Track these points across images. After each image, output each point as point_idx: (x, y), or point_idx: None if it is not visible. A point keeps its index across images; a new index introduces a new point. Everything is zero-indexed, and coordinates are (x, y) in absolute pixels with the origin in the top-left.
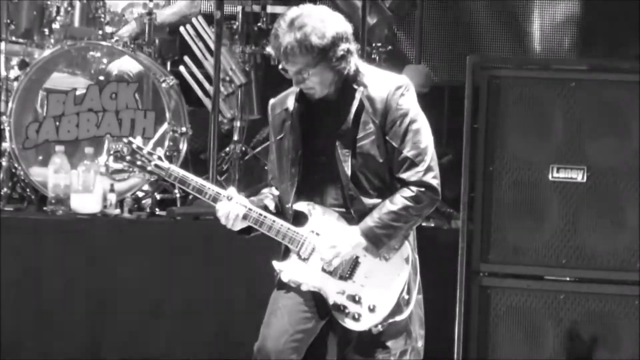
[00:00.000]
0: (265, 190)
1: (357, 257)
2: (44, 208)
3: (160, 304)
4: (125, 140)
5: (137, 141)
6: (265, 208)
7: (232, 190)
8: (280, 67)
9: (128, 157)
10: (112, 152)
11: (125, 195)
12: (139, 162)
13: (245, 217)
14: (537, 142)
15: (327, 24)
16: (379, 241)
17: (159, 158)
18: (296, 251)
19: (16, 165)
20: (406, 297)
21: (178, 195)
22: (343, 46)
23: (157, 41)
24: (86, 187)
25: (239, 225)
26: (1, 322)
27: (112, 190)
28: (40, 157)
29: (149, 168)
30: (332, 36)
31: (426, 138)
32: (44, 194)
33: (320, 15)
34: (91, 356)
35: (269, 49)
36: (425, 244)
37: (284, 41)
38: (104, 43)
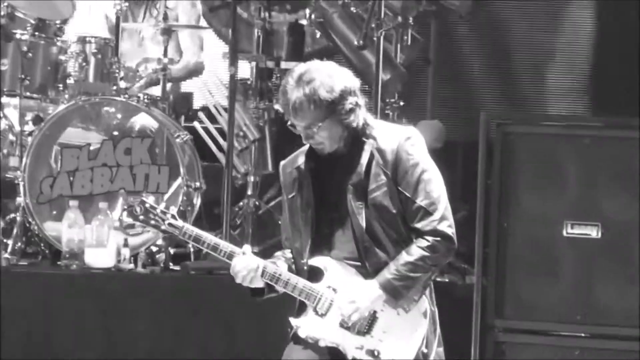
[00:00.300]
0: (278, 254)
1: (374, 312)
2: (58, 262)
3: (173, 358)
4: (138, 199)
5: (150, 200)
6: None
7: (247, 248)
8: (289, 123)
9: (141, 217)
10: (125, 208)
11: (139, 249)
12: (152, 222)
13: (261, 273)
14: (551, 198)
15: (334, 78)
16: (398, 293)
17: (173, 217)
18: (313, 307)
19: (30, 219)
20: (425, 350)
21: (192, 249)
22: (351, 100)
23: (171, 97)
24: (100, 241)
25: (255, 282)
26: None
27: (126, 244)
28: (55, 212)
29: (162, 227)
30: (340, 90)
31: (438, 187)
32: (58, 249)
33: (327, 70)
34: None
35: (277, 106)
36: (439, 299)
37: (292, 96)
38: (118, 98)
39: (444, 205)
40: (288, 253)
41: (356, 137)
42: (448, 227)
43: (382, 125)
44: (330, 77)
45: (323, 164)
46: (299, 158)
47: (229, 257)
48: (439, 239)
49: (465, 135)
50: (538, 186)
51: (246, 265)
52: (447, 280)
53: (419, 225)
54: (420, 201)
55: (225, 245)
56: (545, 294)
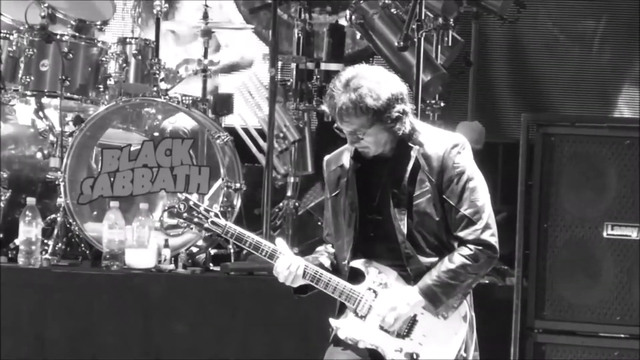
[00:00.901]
0: (320, 248)
1: (415, 315)
2: (99, 263)
3: (214, 359)
4: (181, 197)
5: (194, 198)
6: (321, 266)
7: (280, 243)
8: (334, 126)
9: (185, 215)
10: (167, 208)
11: (179, 250)
12: (195, 220)
13: (302, 274)
14: (591, 200)
15: (382, 85)
16: (438, 300)
17: (216, 215)
18: (353, 309)
19: (71, 220)
20: (464, 354)
21: (232, 250)
22: (398, 107)
23: (211, 98)
24: (141, 242)
25: (297, 282)
26: None
27: (166, 245)
28: (95, 213)
29: (205, 225)
30: (387, 98)
31: (483, 196)
32: (98, 250)
33: (375, 76)
34: None
35: (324, 107)
36: (480, 301)
37: (339, 102)
38: (158, 99)
39: (487, 214)
40: (330, 248)
41: (402, 142)
42: (491, 236)
43: (428, 130)
44: (378, 83)
45: (368, 166)
46: (344, 156)
47: (270, 256)
48: (481, 248)
49: (506, 137)
50: (578, 187)
51: (288, 265)
52: (487, 281)
53: (462, 233)
54: (465, 210)
55: (267, 245)
56: (585, 295)
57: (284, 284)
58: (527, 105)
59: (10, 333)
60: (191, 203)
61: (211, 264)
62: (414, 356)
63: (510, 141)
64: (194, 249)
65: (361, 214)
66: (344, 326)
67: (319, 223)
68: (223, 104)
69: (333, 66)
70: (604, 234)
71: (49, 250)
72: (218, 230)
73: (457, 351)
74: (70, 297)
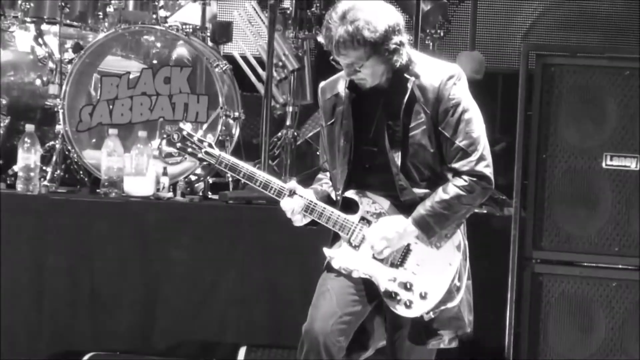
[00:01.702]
0: (321, 176)
1: (408, 245)
2: (97, 190)
3: (212, 287)
4: (175, 127)
5: (187, 128)
6: (328, 196)
7: (294, 184)
8: (331, 58)
9: (179, 144)
10: (164, 136)
11: (178, 178)
12: (189, 149)
13: (306, 209)
14: (590, 130)
15: (379, 17)
16: (431, 229)
17: (210, 145)
18: (347, 238)
19: (70, 147)
20: (457, 283)
21: (230, 179)
22: (395, 39)
23: (210, 26)
24: (139, 170)
25: (302, 221)
26: (54, 304)
27: (165, 173)
28: (94, 140)
29: (199, 155)
30: (384, 30)
31: (478, 127)
32: (97, 177)
33: (372, 8)
34: (142, 338)
35: (320, 38)
36: (477, 231)
37: (335, 34)
38: (157, 27)
39: (482, 146)
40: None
41: (398, 73)
42: (485, 167)
43: (425, 61)
44: (375, 15)
45: (363, 96)
46: (339, 84)
47: (264, 186)
48: (475, 179)
49: (506, 67)
50: (578, 118)
51: (294, 207)
52: (485, 211)
53: (456, 165)
54: (460, 142)
55: (261, 175)
56: (584, 225)
57: (282, 213)
58: (527, 35)
59: (9, 259)
60: (185, 133)
61: (209, 193)
62: (408, 285)
63: (510, 71)
64: (193, 177)
65: (356, 144)
66: (337, 256)
67: (318, 153)
68: (222, 32)
69: None
70: (603, 165)
71: (48, 177)
72: (212, 161)
73: (450, 280)
74: (68, 224)
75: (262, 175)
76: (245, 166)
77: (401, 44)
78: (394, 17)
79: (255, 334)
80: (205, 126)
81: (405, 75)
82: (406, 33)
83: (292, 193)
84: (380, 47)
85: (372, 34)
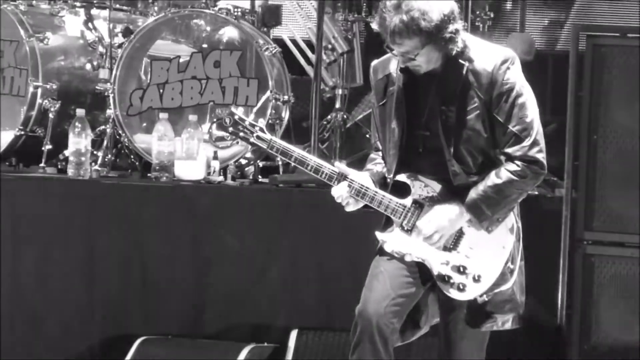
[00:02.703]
0: (375, 156)
1: (461, 228)
2: (148, 175)
3: (263, 271)
4: (227, 111)
5: (239, 112)
6: (384, 177)
7: (344, 168)
8: (385, 45)
9: (230, 128)
10: (215, 120)
11: (228, 162)
12: (241, 134)
13: (357, 194)
14: None
15: (434, 5)
16: (483, 214)
17: (261, 130)
18: (399, 223)
19: (120, 132)
20: (511, 266)
21: (281, 162)
22: (451, 28)
23: (260, 9)
24: (190, 154)
25: (356, 206)
26: (105, 289)
27: (215, 157)
28: (144, 124)
29: (251, 139)
30: (439, 19)
31: (532, 112)
32: (148, 161)
33: None
34: (194, 322)
35: (374, 26)
36: (529, 212)
37: (391, 23)
38: (207, 11)
39: (536, 131)
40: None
41: (452, 58)
42: (538, 152)
43: (478, 45)
44: (429, 4)
45: (416, 80)
46: (391, 64)
47: (315, 170)
48: (528, 164)
49: (556, 48)
50: (628, 99)
51: (339, 194)
52: (536, 193)
53: (510, 150)
54: (513, 127)
55: (312, 159)
56: (635, 206)
57: (332, 196)
58: (578, 15)
59: (61, 244)
60: (236, 117)
61: (260, 176)
62: (461, 269)
63: (560, 52)
64: (243, 161)
65: (409, 128)
66: (390, 239)
67: (367, 136)
68: (271, 15)
69: None
70: None
71: (99, 162)
72: (263, 145)
73: (504, 263)
74: (119, 208)
75: (313, 159)
76: (297, 150)
77: (456, 31)
78: (449, 4)
79: (306, 317)
80: (255, 109)
81: (460, 60)
82: (461, 19)
83: (343, 177)
84: (436, 36)
85: (428, 23)
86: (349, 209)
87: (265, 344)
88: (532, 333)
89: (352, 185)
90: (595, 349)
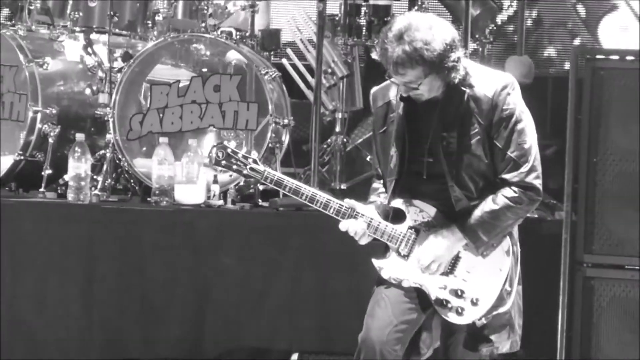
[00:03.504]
0: (377, 186)
1: (457, 252)
2: (148, 199)
3: (262, 294)
4: (219, 144)
5: (232, 145)
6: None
7: (353, 203)
8: (386, 75)
9: (224, 162)
10: (214, 145)
11: (228, 186)
12: (234, 167)
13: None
14: None
15: (436, 35)
16: (479, 239)
17: (254, 161)
18: (395, 248)
19: (120, 156)
20: (508, 289)
21: None
22: (453, 56)
23: (259, 33)
24: (190, 178)
25: (366, 240)
26: (105, 313)
27: (215, 181)
28: (144, 149)
29: (244, 172)
30: (442, 49)
31: (531, 138)
32: (148, 185)
33: (428, 25)
34: (193, 345)
35: (375, 56)
36: (528, 235)
37: (393, 54)
38: (207, 35)
39: (533, 157)
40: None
41: (454, 85)
42: (535, 178)
43: (478, 70)
44: (431, 34)
45: (417, 107)
46: (391, 91)
47: (310, 200)
48: (525, 190)
49: (555, 71)
50: (628, 121)
51: (353, 230)
52: (536, 216)
53: (507, 176)
54: (511, 152)
55: (307, 189)
56: (635, 229)
57: (332, 219)
58: (576, 38)
59: (60, 269)
60: (229, 150)
61: (260, 200)
62: (459, 292)
63: (559, 75)
64: (243, 185)
65: (412, 155)
66: (387, 266)
67: (368, 159)
68: (271, 39)
69: (381, 1)
70: None
71: (98, 186)
72: (257, 177)
73: (501, 285)
74: (119, 233)
75: (308, 189)
76: (291, 181)
77: (458, 59)
78: (450, 33)
79: (306, 341)
80: (255, 133)
81: (460, 87)
82: (462, 47)
83: (353, 212)
84: (439, 66)
85: (431, 53)
86: (363, 242)
87: None
88: (532, 355)
89: (345, 212)
90: None
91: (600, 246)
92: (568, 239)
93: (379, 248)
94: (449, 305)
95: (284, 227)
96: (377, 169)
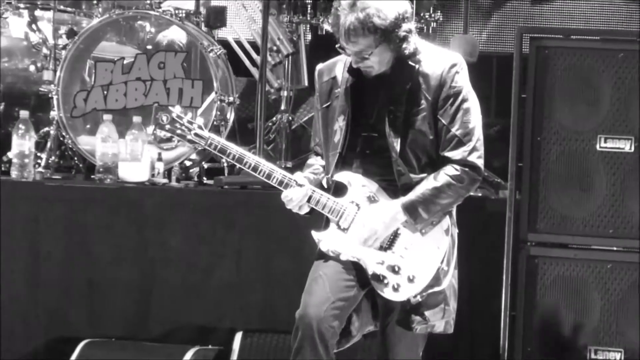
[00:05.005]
0: (312, 162)
1: (397, 229)
2: (92, 176)
3: (208, 273)
4: (165, 109)
5: (177, 110)
6: (321, 184)
7: (300, 177)
8: (337, 46)
9: (168, 126)
10: (154, 120)
11: (173, 164)
12: (178, 131)
13: (309, 199)
14: (585, 112)
15: (389, 4)
16: (419, 216)
17: (199, 127)
18: (336, 221)
19: (64, 134)
20: (445, 268)
21: (226, 164)
22: (405, 27)
23: (204, 10)
24: (134, 155)
25: (305, 210)
26: (50, 291)
27: (159, 159)
28: (88, 126)
29: (188, 137)
30: (394, 17)
31: (475, 118)
32: (91, 163)
33: None
34: (138, 324)
35: (327, 26)
36: (473, 214)
37: (345, 22)
38: (152, 12)
39: (477, 137)
40: (320, 160)
41: (402, 60)
42: (478, 158)
43: (427, 48)
44: (384, 3)
45: (364, 81)
46: (337, 67)
47: (254, 169)
48: (466, 169)
49: (500, 50)
50: (572, 100)
51: (293, 198)
52: (480, 194)
53: (449, 154)
54: (456, 130)
55: (251, 157)
56: (578, 208)
57: (277, 198)
58: (521, 17)
59: (4, 247)
60: (174, 115)
61: (205, 178)
62: (396, 268)
63: (504, 54)
64: (188, 163)
65: (356, 130)
66: (326, 238)
67: None
68: (216, 16)
69: None
70: (597, 147)
71: (42, 164)
72: (201, 142)
73: (438, 264)
74: (63, 210)
75: (251, 157)
76: (235, 148)
77: (410, 31)
78: (403, 4)
79: (250, 319)
80: (200, 111)
81: (409, 62)
82: (414, 21)
83: (296, 183)
84: (391, 35)
85: (383, 21)
86: (302, 212)
87: (210, 347)
88: (476, 335)
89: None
90: (539, 350)
91: (544, 225)
92: (512, 217)
93: (320, 222)
94: (385, 281)
95: (229, 206)
96: (314, 146)
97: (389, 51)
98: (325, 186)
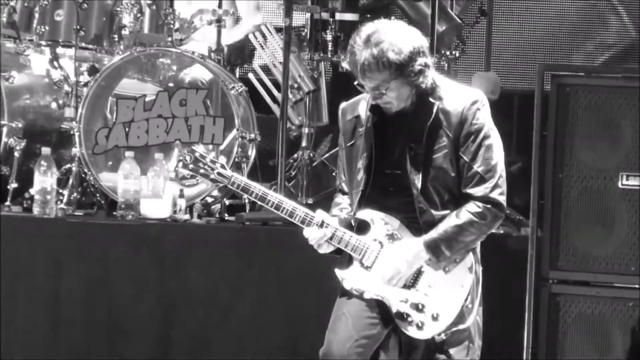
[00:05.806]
0: (340, 201)
1: (420, 267)
2: (114, 213)
3: (228, 309)
4: (188, 149)
5: (200, 149)
6: (351, 223)
7: (325, 216)
8: (356, 83)
9: (191, 166)
10: (179, 159)
11: (194, 200)
12: (201, 171)
13: (332, 238)
14: (606, 150)
15: (403, 39)
16: (442, 254)
17: (222, 166)
18: (359, 259)
19: (86, 170)
20: (469, 306)
21: (247, 201)
22: (420, 61)
23: (226, 48)
24: (156, 192)
25: (328, 248)
26: (71, 329)
27: (181, 195)
28: (110, 163)
29: (211, 176)
30: (409, 51)
31: (497, 154)
32: (113, 199)
33: (396, 30)
34: None
35: (345, 65)
36: (494, 251)
37: (360, 58)
38: (173, 50)
39: (499, 174)
40: (347, 199)
41: (422, 96)
42: (500, 195)
43: (448, 85)
44: (399, 38)
45: (386, 121)
46: (360, 106)
47: (276, 207)
48: (489, 206)
49: (521, 87)
50: (593, 138)
51: (320, 237)
52: (502, 232)
53: (472, 190)
54: (478, 167)
55: (273, 195)
56: (600, 245)
57: (298, 234)
58: (542, 55)
59: (25, 284)
60: (197, 154)
61: (226, 214)
62: (420, 307)
63: (525, 91)
64: (209, 199)
65: (379, 167)
66: (349, 277)
67: (334, 174)
68: (237, 54)
69: (348, 16)
70: (619, 184)
71: (64, 200)
72: (224, 181)
73: (462, 301)
74: (85, 247)
75: (274, 195)
76: (258, 187)
77: (426, 65)
78: (419, 39)
79: (272, 356)
80: (221, 148)
81: (430, 99)
82: (431, 56)
83: (322, 224)
84: (406, 69)
85: (397, 55)
86: (322, 251)
87: None
88: None
89: (312, 222)
90: None
91: (566, 262)
92: (534, 254)
93: (343, 260)
94: (410, 319)
95: (250, 242)
96: (340, 184)
97: (406, 85)
98: (353, 224)
